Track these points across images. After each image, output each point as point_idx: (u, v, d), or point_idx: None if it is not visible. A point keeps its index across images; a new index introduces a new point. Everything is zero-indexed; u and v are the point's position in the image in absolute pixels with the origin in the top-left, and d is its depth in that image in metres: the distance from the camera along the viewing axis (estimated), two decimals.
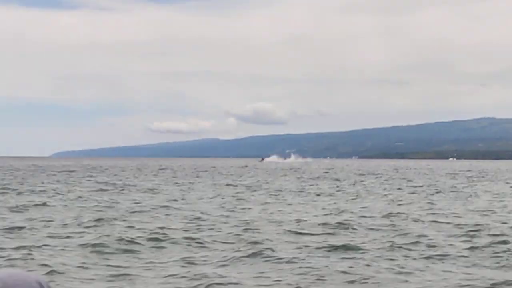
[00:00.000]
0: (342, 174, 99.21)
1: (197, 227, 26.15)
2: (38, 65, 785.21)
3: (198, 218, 29.58)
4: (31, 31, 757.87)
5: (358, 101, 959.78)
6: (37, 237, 23.17)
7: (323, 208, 35.68)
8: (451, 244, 22.04)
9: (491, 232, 25.10)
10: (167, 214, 31.35)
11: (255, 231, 24.80)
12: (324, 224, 27.24)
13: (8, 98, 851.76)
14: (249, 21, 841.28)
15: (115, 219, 28.59)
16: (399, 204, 39.22)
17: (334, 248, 20.59)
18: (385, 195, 48.36)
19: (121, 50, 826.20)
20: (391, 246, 21.26)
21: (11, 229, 25.09)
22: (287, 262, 17.99)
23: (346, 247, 20.82)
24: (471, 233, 24.93)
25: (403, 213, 32.31)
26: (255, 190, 53.23)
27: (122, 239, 21.76)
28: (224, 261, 18.46)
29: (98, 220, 27.90)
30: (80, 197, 42.03)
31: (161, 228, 25.37)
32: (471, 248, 20.99)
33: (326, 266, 17.46)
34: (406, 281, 16.12)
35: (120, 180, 70.31)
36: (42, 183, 63.98)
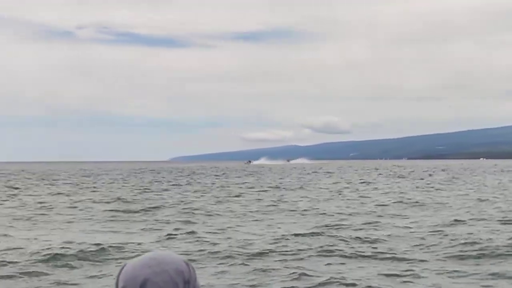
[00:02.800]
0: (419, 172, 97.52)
1: None
2: (157, 89, 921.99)
3: None
4: (154, 63, 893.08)
5: (405, 113, 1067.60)
6: None
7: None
8: None
9: None
10: None
11: None
12: None
13: (135, 116, 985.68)
14: (319, 51, 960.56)
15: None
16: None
17: None
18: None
19: (220, 77, 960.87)
20: None
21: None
22: None
23: None
24: None
25: None
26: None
27: None
28: None
29: None
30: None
31: None
32: None
33: None
34: None
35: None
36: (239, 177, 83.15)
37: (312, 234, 21.12)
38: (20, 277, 14.67)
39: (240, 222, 26.13)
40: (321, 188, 52.45)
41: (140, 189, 52.14)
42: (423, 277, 14.32)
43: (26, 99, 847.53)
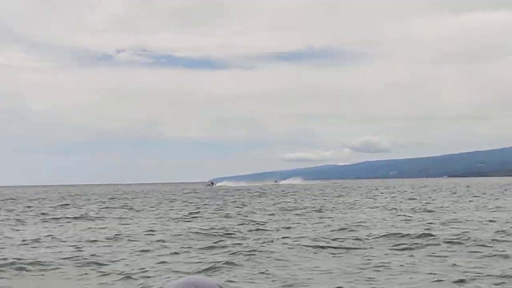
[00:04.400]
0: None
1: None
2: (198, 111, 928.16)
3: None
4: (194, 86, 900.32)
5: (445, 132, 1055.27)
6: None
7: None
8: None
9: None
10: None
11: None
12: None
13: (175, 138, 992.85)
14: (359, 73, 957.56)
15: None
16: None
17: None
18: None
19: (260, 97, 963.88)
20: None
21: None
22: None
23: None
24: None
25: None
26: None
27: None
28: None
29: None
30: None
31: None
32: None
33: None
34: None
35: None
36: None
37: None
38: None
39: None
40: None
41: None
42: None
43: (68, 124, 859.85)
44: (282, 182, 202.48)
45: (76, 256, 21.35)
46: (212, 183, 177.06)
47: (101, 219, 40.85)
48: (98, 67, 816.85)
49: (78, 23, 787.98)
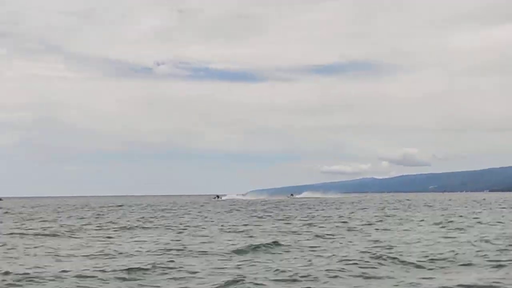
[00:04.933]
0: None
1: None
2: (234, 123, 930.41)
3: None
4: (230, 98, 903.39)
5: (485, 144, 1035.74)
6: None
7: None
8: None
9: None
10: None
11: None
12: None
13: (212, 150, 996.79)
14: (396, 84, 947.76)
15: None
16: None
17: None
18: None
19: (297, 110, 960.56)
20: None
21: None
22: None
23: None
24: None
25: None
26: None
27: None
28: None
29: None
30: None
31: None
32: None
33: None
34: None
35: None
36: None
37: None
38: None
39: None
40: None
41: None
42: None
43: (107, 135, 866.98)
44: (298, 196, 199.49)
45: None
46: (218, 196, 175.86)
47: None
48: (136, 79, 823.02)
49: (116, 35, 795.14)
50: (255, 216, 60.39)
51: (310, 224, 43.99)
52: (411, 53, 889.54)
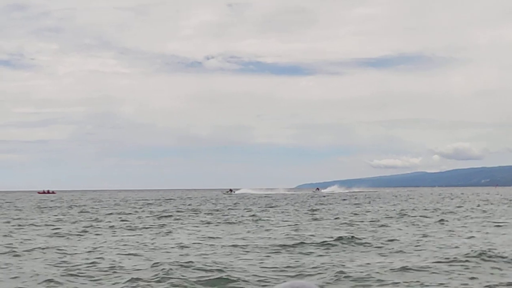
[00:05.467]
0: None
1: None
2: (285, 118, 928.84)
3: None
4: (281, 92, 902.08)
5: None
6: None
7: None
8: None
9: None
10: None
11: None
12: None
13: (262, 145, 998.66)
14: (448, 78, 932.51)
15: None
16: None
17: None
18: None
19: (348, 104, 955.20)
20: None
21: None
22: None
23: None
24: None
25: None
26: None
27: None
28: None
29: None
30: None
31: None
32: None
33: None
34: None
35: None
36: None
37: None
38: None
39: None
40: None
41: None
42: None
43: (158, 129, 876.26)
44: (323, 190, 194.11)
45: None
46: (231, 190, 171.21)
47: None
48: (188, 74, 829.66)
49: (168, 30, 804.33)
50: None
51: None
52: (465, 47, 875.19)
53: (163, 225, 39.12)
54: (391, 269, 18.22)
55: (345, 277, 17.05)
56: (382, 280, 16.53)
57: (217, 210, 60.72)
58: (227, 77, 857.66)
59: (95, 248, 25.42)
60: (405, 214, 49.57)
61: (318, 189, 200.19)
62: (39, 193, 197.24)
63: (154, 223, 41.78)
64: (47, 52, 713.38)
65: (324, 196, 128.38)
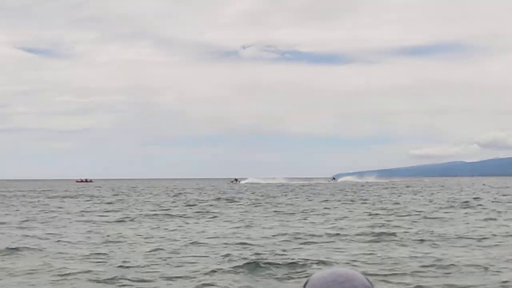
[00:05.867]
0: None
1: None
2: (322, 107, 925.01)
3: None
4: (318, 81, 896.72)
5: None
6: None
7: None
8: None
9: None
10: None
11: None
12: None
13: (300, 134, 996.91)
14: (488, 67, 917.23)
15: None
16: None
17: None
18: None
19: (387, 92, 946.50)
20: None
21: None
22: None
23: None
24: None
25: None
26: None
27: None
28: None
29: None
30: None
31: None
32: None
33: None
34: None
35: None
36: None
37: None
38: None
39: None
40: None
41: None
42: None
43: (194, 118, 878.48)
44: (340, 179, 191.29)
45: None
46: (236, 180, 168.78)
47: None
48: (224, 63, 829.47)
49: (204, 19, 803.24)
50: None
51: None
52: (504, 35, 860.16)
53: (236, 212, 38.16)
54: None
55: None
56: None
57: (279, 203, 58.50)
58: (264, 66, 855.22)
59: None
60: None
61: (334, 178, 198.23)
62: (77, 181, 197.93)
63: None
64: (86, 42, 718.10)
65: (362, 186, 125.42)
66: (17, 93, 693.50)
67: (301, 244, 22.23)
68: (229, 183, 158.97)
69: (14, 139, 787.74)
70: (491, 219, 32.69)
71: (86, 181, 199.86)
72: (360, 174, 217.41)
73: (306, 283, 2.42)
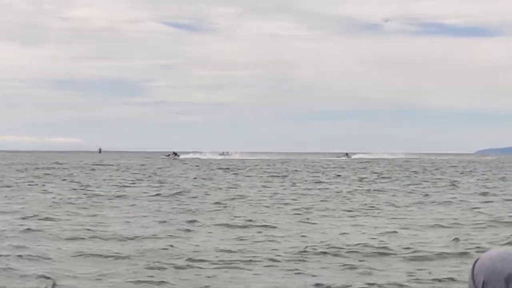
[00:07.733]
0: None
1: None
2: (466, 81, 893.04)
3: None
4: (461, 54, 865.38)
5: None
6: None
7: None
8: None
9: None
10: None
11: None
12: None
13: (442, 109, 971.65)
14: None
15: None
16: None
17: None
18: None
19: None
20: None
21: None
22: None
23: None
24: None
25: None
26: None
27: None
28: None
29: None
30: None
31: None
32: None
33: None
34: None
35: None
36: None
37: None
38: None
39: None
40: None
41: None
42: None
43: (332, 92, 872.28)
44: (354, 156, 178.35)
45: None
46: (175, 153, 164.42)
47: None
48: (364, 37, 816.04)
49: None
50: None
51: None
52: None
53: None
54: None
55: None
56: None
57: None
58: (405, 39, 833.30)
59: None
60: None
61: (347, 154, 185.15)
62: (167, 156, 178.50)
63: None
64: (226, 16, 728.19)
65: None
66: (158, 67, 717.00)
67: None
68: (163, 157, 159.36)
69: (154, 112, 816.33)
70: None
71: (175, 154, 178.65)
72: (504, 150, 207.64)
73: (475, 263, 2.26)
